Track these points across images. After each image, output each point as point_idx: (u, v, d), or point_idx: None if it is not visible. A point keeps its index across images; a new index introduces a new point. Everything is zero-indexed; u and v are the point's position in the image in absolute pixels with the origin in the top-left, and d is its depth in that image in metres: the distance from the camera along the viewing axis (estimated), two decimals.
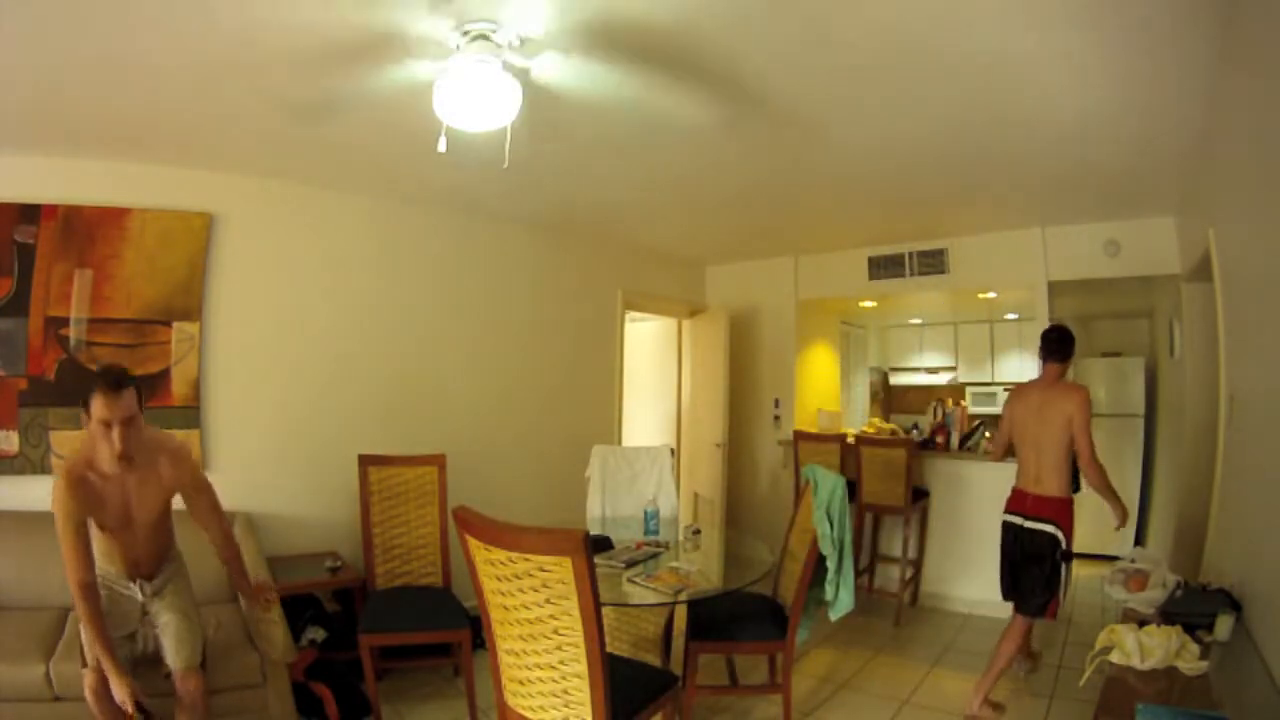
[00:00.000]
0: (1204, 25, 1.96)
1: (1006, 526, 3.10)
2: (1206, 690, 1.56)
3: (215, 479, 3.22)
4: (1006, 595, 3.12)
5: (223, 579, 2.87)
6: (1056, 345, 3.03)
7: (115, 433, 1.99)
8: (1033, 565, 2.92)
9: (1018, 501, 3.07)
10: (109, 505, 2.10)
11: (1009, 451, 3.20)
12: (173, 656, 2.19)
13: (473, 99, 2.02)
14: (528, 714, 1.83)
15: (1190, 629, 1.83)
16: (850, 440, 4.63)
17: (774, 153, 3.15)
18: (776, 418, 5.57)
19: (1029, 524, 2.96)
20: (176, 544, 2.42)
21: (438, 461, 3.29)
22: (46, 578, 2.69)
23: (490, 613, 1.85)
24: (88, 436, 2.06)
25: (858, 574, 3.34)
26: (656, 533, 3.09)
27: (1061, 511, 2.90)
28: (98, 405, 1.97)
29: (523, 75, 2.19)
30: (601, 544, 2.81)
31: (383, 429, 3.74)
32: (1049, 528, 2.88)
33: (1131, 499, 5.55)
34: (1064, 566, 2.85)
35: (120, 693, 1.97)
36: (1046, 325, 4.31)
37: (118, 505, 2.12)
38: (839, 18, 1.99)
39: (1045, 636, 3.91)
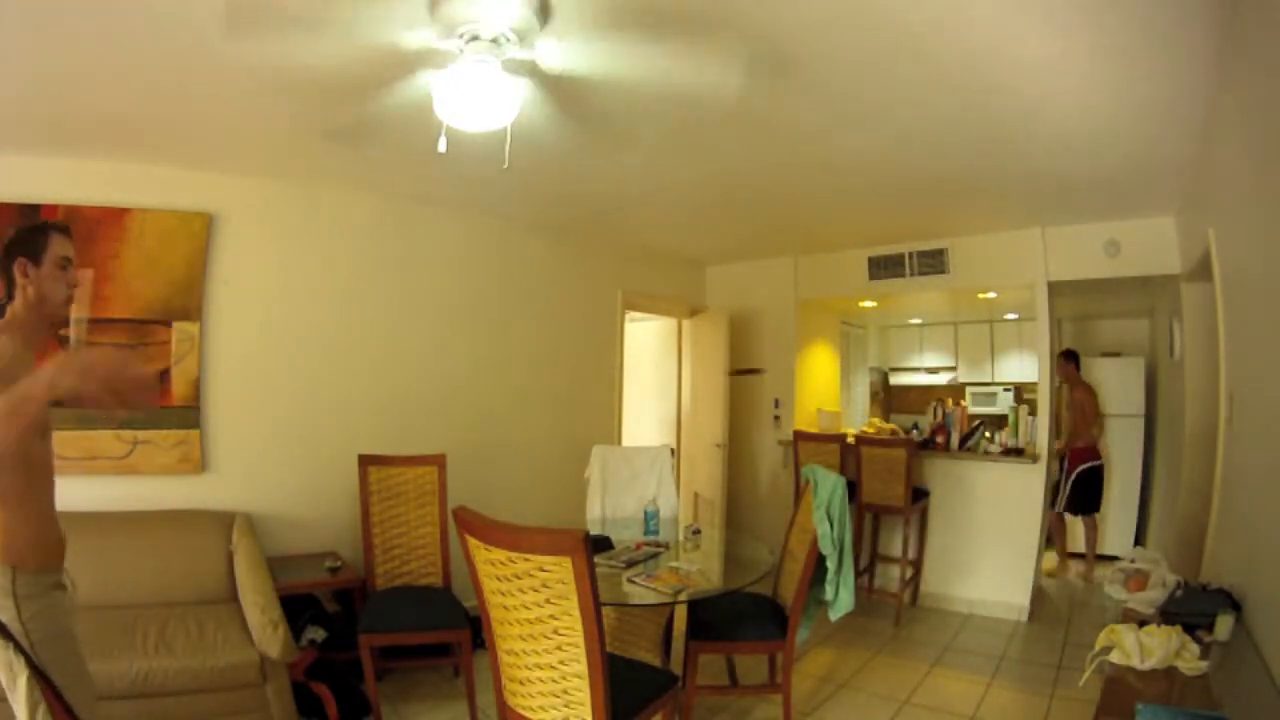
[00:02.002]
0: (1204, 25, 1.96)
1: (1078, 471, 5.23)
2: (1206, 690, 1.56)
3: (215, 479, 3.29)
4: (1075, 510, 5.27)
5: (222, 578, 2.89)
6: (1070, 359, 5.44)
7: (74, 272, 1.77)
8: (1093, 487, 5.22)
9: (1079, 455, 5.25)
10: None
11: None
12: None
13: (472, 100, 2.02)
14: (528, 714, 1.83)
15: (1190, 629, 1.83)
16: (850, 440, 4.63)
17: (774, 153, 3.14)
18: (776, 418, 5.57)
19: (1086, 465, 5.21)
20: None
21: (438, 461, 3.29)
22: None
23: (490, 613, 1.85)
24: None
25: (858, 574, 3.35)
26: (656, 533, 3.09)
27: (1097, 453, 5.27)
28: (60, 244, 1.73)
29: (530, 67, 2.19)
30: (601, 544, 2.81)
31: (383, 429, 3.74)
32: (1098, 463, 5.24)
33: (1131, 499, 5.56)
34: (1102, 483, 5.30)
35: None
36: (1047, 325, 4.39)
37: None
38: (839, 26, 1.99)
39: (1045, 637, 3.92)
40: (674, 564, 2.67)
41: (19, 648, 1.53)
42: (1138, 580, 2.24)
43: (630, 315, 5.42)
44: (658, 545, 2.90)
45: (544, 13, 1.95)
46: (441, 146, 2.20)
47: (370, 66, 2.22)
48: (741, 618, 2.69)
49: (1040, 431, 4.40)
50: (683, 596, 2.39)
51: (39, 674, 1.55)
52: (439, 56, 2.11)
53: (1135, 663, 1.69)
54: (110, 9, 1.91)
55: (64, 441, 2.99)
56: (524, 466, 4.42)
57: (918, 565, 4.54)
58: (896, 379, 8.41)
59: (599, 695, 1.68)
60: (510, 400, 4.39)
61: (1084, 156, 3.03)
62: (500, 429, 4.32)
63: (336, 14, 1.93)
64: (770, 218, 4.41)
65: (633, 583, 2.46)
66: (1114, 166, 3.15)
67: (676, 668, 2.84)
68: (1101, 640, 1.84)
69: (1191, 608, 1.96)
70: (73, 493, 2.95)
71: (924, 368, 8.13)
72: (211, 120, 2.73)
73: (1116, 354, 6.02)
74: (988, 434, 4.75)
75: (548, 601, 1.68)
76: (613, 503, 3.61)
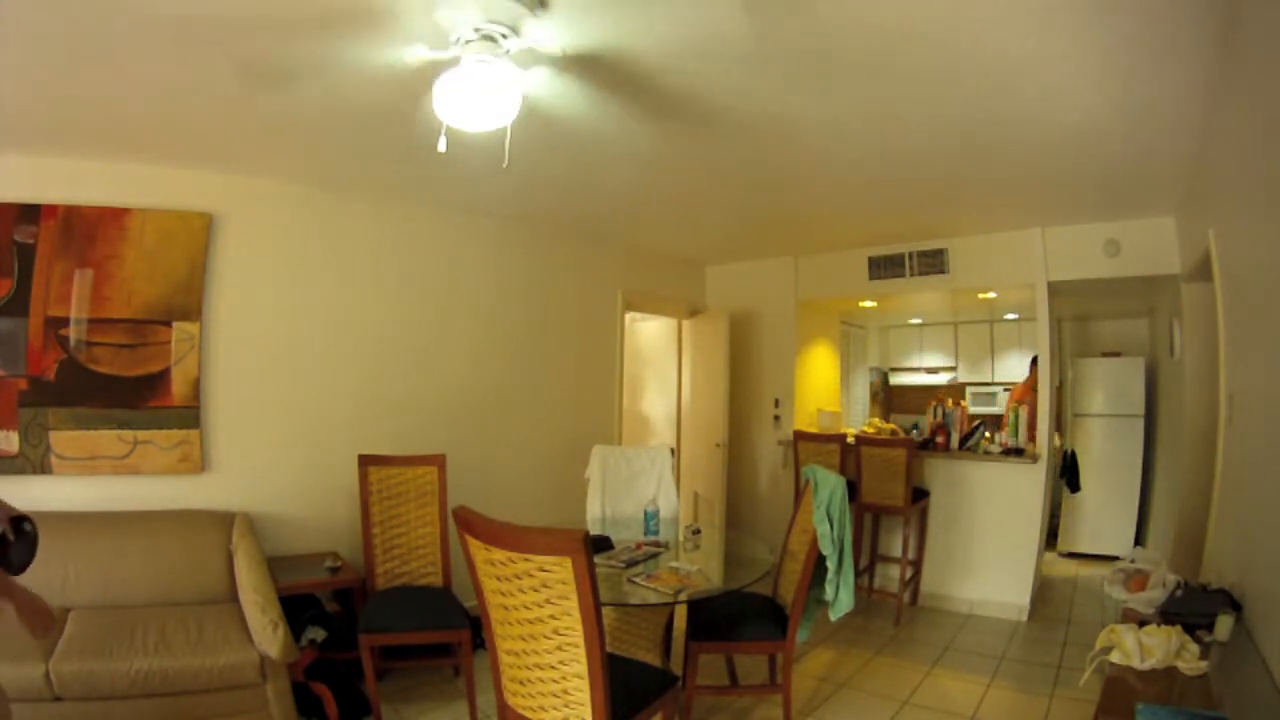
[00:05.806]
0: (1205, 25, 1.96)
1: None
2: (1206, 690, 1.56)
3: (215, 479, 3.29)
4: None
5: (222, 578, 2.89)
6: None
7: None
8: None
9: None
10: None
11: None
12: None
13: (473, 99, 2.01)
14: (528, 714, 1.83)
15: (1190, 629, 1.83)
16: (850, 440, 4.63)
17: (774, 156, 3.14)
18: (776, 418, 5.57)
19: None
20: None
21: (437, 461, 3.29)
22: (46, 577, 2.68)
23: (490, 613, 1.85)
24: None
25: (858, 574, 3.35)
26: (656, 533, 3.09)
27: None
28: None
29: (534, 56, 2.17)
30: (601, 544, 2.81)
31: (383, 429, 3.74)
32: None
33: (1132, 499, 5.56)
34: None
35: None
36: (1047, 325, 4.38)
37: None
38: (840, 24, 1.99)
39: (1045, 637, 3.92)
40: (674, 564, 2.67)
41: None
42: (1138, 580, 2.24)
43: (630, 315, 5.42)
44: (658, 545, 2.89)
45: (564, 50, 1.96)
46: (441, 146, 2.19)
47: (389, 95, 2.21)
48: (741, 618, 2.69)
49: (1040, 431, 4.39)
50: (683, 596, 2.39)
51: None
52: (445, 65, 2.10)
53: (1135, 663, 1.69)
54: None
55: (64, 442, 3.00)
56: (524, 466, 4.42)
57: (918, 565, 4.54)
58: (896, 379, 8.41)
59: (599, 695, 1.68)
60: (510, 400, 4.38)
61: (1084, 156, 3.03)
62: (500, 429, 4.32)
63: (343, 54, 1.92)
64: (770, 218, 4.41)
65: (633, 583, 2.46)
66: (1114, 166, 3.15)
67: (676, 668, 2.84)
68: (1101, 640, 1.84)
69: (1191, 608, 1.96)
70: (73, 493, 3.00)
71: (924, 368, 8.14)
72: (212, 121, 2.73)
73: (1116, 354, 6.02)
74: (987, 434, 4.75)
75: (548, 601, 1.68)
76: (613, 503, 3.61)
